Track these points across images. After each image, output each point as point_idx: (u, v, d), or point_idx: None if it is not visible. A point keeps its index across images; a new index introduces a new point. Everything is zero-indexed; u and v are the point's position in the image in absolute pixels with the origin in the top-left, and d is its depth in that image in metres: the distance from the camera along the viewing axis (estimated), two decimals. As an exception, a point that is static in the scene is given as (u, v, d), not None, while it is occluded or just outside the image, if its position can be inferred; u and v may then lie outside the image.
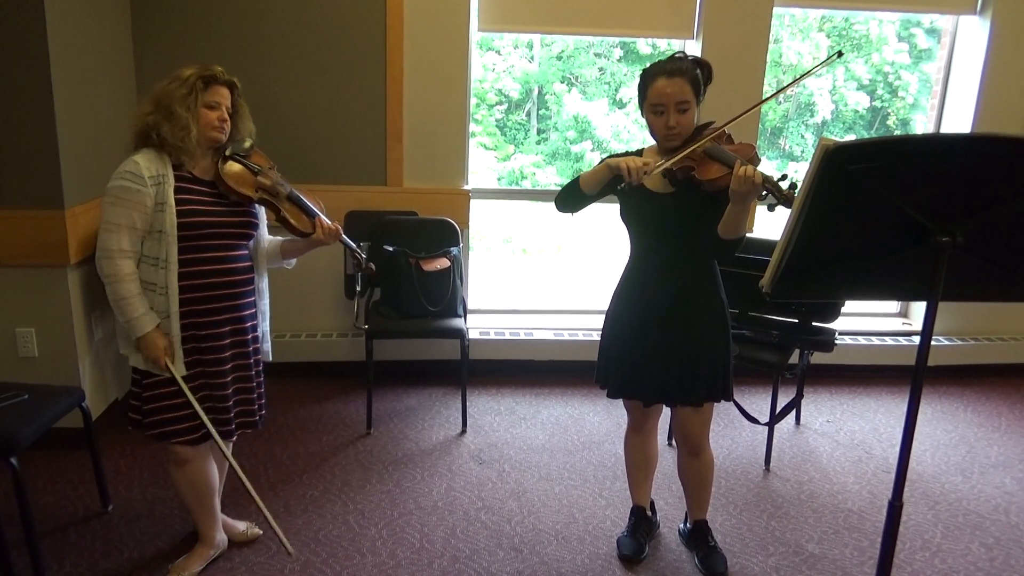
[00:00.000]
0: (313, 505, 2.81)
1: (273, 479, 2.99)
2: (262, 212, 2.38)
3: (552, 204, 2.41)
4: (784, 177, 1.97)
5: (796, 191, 1.87)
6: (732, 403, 2.51)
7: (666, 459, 3.18)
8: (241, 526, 2.59)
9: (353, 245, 2.49)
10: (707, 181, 2.12)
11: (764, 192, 1.98)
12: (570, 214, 2.40)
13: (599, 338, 2.50)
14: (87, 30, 3.10)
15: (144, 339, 2.13)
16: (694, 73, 2.18)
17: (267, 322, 2.44)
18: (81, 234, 3.00)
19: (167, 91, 2.12)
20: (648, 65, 2.23)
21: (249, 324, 2.32)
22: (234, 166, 2.23)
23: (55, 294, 2.98)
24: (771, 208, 2.03)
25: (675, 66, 2.17)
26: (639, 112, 2.28)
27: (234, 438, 2.39)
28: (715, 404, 2.40)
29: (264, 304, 2.42)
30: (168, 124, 2.10)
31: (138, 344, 2.14)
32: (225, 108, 2.19)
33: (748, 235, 2.29)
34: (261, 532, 2.60)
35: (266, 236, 2.42)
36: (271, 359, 2.47)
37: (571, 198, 2.35)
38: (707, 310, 2.32)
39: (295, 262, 2.49)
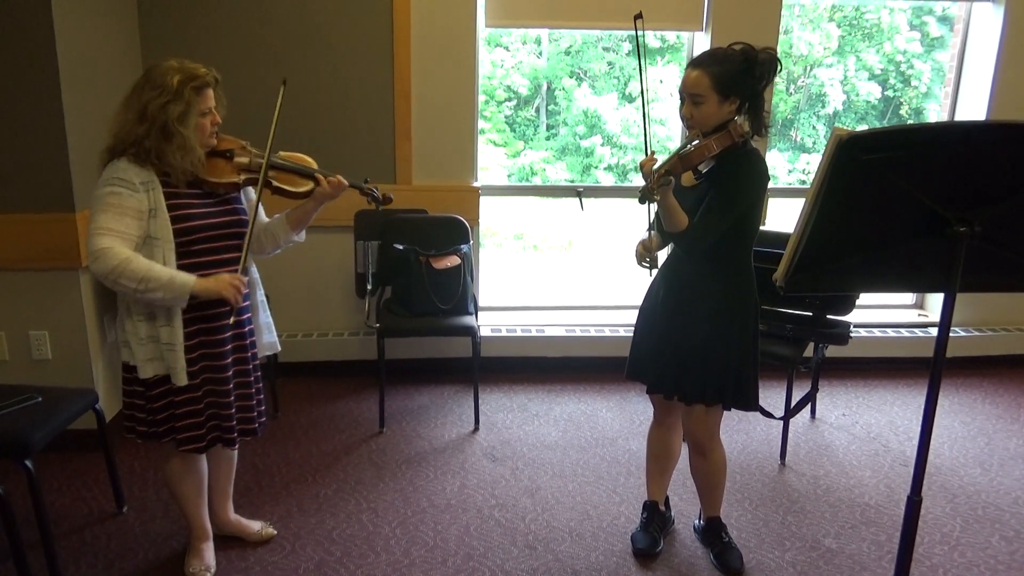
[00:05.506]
0: (327, 504, 2.81)
1: (287, 478, 2.99)
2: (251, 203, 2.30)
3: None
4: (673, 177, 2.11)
5: (659, 186, 2.05)
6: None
7: (682, 455, 3.16)
8: (256, 525, 2.59)
9: (363, 186, 2.35)
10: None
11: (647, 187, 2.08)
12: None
13: (619, 332, 2.55)
14: (94, 31, 3.11)
15: (202, 283, 2.02)
16: (726, 67, 2.10)
17: (267, 312, 2.40)
18: (92, 236, 3.00)
19: (159, 105, 2.01)
20: None
21: (248, 329, 2.29)
22: (207, 160, 2.15)
23: (67, 297, 2.99)
24: (641, 200, 2.11)
25: (702, 56, 2.15)
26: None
27: (235, 447, 2.35)
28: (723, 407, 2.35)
29: (260, 295, 2.37)
30: (169, 146, 2.02)
31: (203, 293, 2.03)
32: (214, 109, 2.13)
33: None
34: (276, 532, 2.60)
35: (264, 218, 2.35)
36: (279, 349, 2.45)
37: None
38: (702, 308, 2.27)
39: (304, 234, 2.38)
